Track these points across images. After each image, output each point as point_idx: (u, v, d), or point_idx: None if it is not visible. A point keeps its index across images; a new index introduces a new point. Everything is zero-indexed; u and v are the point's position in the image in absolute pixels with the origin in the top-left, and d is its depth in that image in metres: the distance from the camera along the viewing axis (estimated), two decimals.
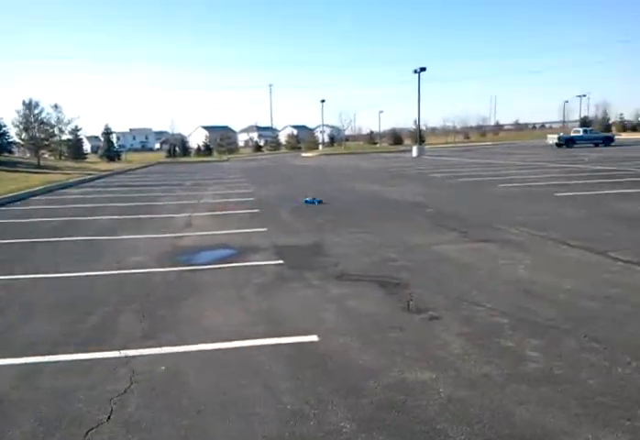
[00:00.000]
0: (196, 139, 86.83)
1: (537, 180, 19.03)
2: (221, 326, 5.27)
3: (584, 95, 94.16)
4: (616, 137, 58.40)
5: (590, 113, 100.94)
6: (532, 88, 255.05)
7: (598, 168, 22.96)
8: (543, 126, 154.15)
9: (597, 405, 3.45)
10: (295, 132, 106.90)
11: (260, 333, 5.03)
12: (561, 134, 54.97)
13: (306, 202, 14.95)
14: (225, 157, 68.03)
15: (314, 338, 4.85)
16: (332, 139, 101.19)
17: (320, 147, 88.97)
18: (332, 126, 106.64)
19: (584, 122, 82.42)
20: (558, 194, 14.44)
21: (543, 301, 5.63)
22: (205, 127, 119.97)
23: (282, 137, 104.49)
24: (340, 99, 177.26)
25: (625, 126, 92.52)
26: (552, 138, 51.47)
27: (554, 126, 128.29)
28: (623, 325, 4.84)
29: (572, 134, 52.26)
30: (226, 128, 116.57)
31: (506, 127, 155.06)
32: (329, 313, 5.58)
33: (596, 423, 3.23)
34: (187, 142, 78.43)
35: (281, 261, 7.99)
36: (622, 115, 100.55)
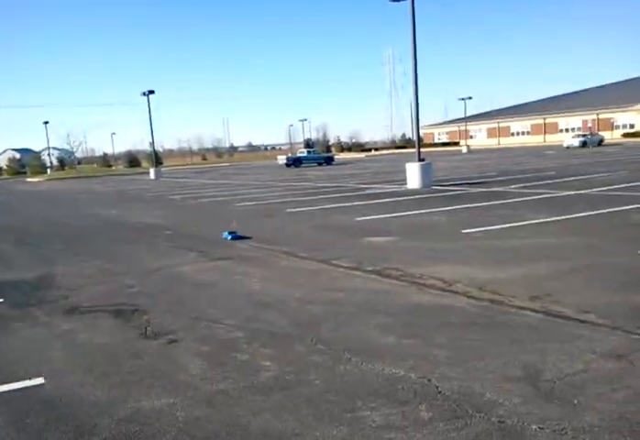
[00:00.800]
0: None
1: (270, 197, 20.13)
2: None
3: (305, 119, 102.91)
4: (336, 156, 64.87)
5: (313, 135, 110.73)
6: (262, 111, 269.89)
7: (321, 185, 25.20)
8: (274, 147, 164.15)
9: (323, 403, 3.73)
10: (18, 156, 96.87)
11: None
12: (289, 155, 59.15)
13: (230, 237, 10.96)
14: None
15: (40, 381, 4.40)
16: (62, 163, 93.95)
17: (48, 171, 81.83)
18: (61, 149, 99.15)
19: (308, 144, 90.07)
20: (289, 210, 15.46)
21: (276, 311, 5.95)
22: None
23: (2, 162, 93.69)
24: (68, 119, 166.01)
25: (343, 147, 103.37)
26: (282, 159, 55.01)
27: (283, 147, 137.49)
28: (346, 325, 5.34)
29: (298, 154, 56.55)
30: None
31: (240, 149, 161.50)
32: (58, 351, 5.13)
33: (323, 421, 3.49)
34: None
35: (0, 300, 7.13)
36: (339, 137, 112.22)
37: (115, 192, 30.77)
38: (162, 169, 56.40)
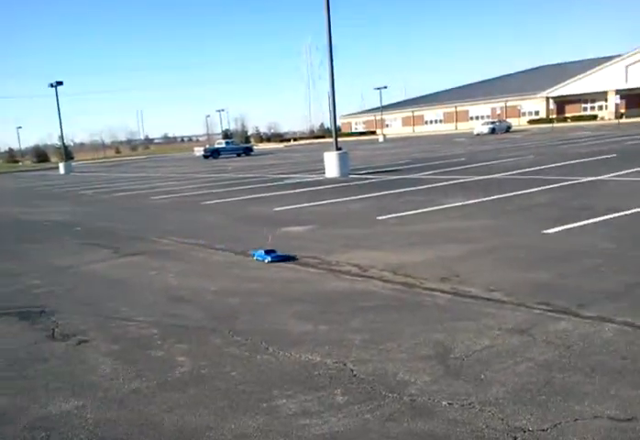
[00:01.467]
0: None
1: (187, 190, 19.74)
2: None
3: (223, 110, 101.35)
4: (255, 147, 64.44)
5: (231, 126, 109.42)
6: (178, 102, 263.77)
7: (240, 176, 24.96)
8: (191, 139, 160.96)
9: (239, 394, 3.70)
10: None
11: None
12: (207, 146, 58.21)
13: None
14: None
15: None
16: None
17: None
18: None
19: (226, 134, 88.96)
20: (205, 203, 15.21)
21: (192, 305, 5.84)
22: None
23: None
24: None
25: (262, 138, 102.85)
26: (199, 151, 54.23)
27: (200, 138, 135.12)
28: (263, 316, 5.32)
29: (216, 146, 55.76)
30: None
31: (156, 141, 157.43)
32: None
33: (239, 412, 3.46)
34: None
35: None
36: (257, 127, 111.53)
37: (22, 189, 29.24)
38: (73, 163, 54.24)
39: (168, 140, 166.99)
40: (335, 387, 3.70)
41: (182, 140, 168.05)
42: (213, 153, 52.47)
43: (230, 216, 12.36)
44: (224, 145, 55.33)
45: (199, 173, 29.84)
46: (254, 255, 7.75)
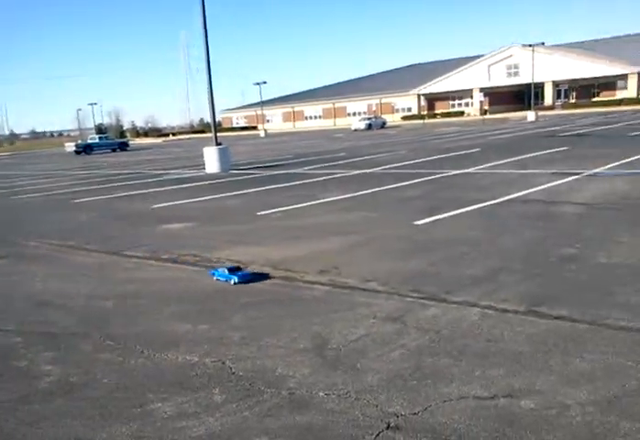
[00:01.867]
0: None
1: (57, 188, 18.59)
2: None
3: (95, 103, 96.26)
4: (131, 142, 62.04)
5: (105, 120, 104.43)
6: (46, 96, 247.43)
7: (115, 172, 23.88)
8: (61, 134, 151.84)
9: (112, 402, 3.52)
10: None
11: None
12: (79, 141, 55.27)
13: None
14: None
15: None
16: None
17: None
18: None
19: (100, 129, 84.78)
20: (77, 201, 14.40)
21: (61, 310, 5.49)
22: None
23: None
24: None
25: (139, 132, 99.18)
26: (70, 146, 51.48)
27: (72, 133, 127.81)
28: (138, 318, 5.11)
29: (89, 141, 53.11)
30: None
31: (23, 136, 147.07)
32: None
33: (110, 420, 3.29)
34: None
35: None
36: (134, 121, 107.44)
37: None
38: None
39: (36, 135, 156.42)
40: (213, 386, 3.64)
41: (52, 135, 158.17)
42: (85, 149, 49.91)
43: (104, 215, 11.79)
44: (97, 140, 52.79)
45: (71, 170, 28.21)
46: (214, 274, 6.12)
